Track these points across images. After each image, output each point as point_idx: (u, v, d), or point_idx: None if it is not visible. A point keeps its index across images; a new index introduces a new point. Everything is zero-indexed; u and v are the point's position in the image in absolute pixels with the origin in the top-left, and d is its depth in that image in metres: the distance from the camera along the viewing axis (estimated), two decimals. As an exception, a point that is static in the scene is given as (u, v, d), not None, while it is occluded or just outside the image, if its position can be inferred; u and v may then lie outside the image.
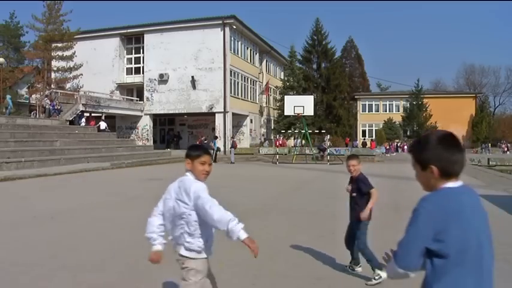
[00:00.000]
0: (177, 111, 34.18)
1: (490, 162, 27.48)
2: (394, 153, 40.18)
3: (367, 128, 55.44)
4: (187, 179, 2.64)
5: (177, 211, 2.63)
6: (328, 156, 26.41)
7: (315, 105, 33.83)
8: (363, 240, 4.31)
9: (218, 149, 26.50)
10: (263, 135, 41.58)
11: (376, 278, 4.15)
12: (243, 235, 2.38)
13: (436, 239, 1.52)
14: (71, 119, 25.87)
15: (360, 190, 4.32)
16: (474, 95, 56.79)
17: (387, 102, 56.87)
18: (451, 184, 1.61)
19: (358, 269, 4.43)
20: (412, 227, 1.57)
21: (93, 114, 29.09)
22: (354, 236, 4.41)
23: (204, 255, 2.70)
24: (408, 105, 52.57)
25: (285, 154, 30.03)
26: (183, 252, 2.69)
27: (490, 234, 1.63)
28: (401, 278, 1.63)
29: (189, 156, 2.68)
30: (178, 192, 2.65)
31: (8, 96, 26.39)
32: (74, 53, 29.97)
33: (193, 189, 2.55)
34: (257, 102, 40.38)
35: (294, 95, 34.72)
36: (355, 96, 57.40)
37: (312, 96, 30.37)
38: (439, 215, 1.52)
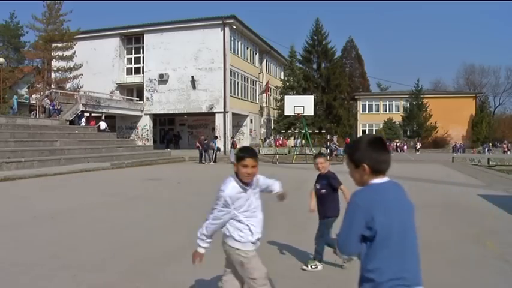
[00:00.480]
0: (177, 111, 34.18)
1: (490, 162, 27.47)
2: (393, 154, 40.15)
3: (367, 128, 55.47)
4: (227, 179, 2.85)
5: None
6: (338, 156, 26.65)
7: (315, 105, 33.81)
8: (327, 235, 4.44)
9: (218, 149, 26.50)
10: (266, 136, 41.57)
11: (313, 266, 4.38)
12: (197, 247, 2.88)
13: (367, 226, 1.76)
14: (71, 119, 25.87)
15: (332, 186, 4.40)
16: (474, 95, 56.78)
17: (387, 102, 56.89)
18: (379, 180, 1.87)
19: (320, 267, 4.49)
20: (347, 219, 1.82)
21: (93, 114, 29.10)
22: (328, 232, 4.50)
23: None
24: (408, 105, 52.58)
25: (285, 154, 30.01)
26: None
27: (413, 222, 1.91)
28: (349, 261, 1.94)
29: (236, 159, 2.84)
30: None
31: (15, 97, 26.44)
32: (74, 53, 29.97)
33: (219, 188, 2.78)
34: (257, 102, 40.39)
35: (294, 95, 34.72)
36: (355, 96, 57.42)
37: (312, 96, 30.35)
38: (368, 206, 1.77)
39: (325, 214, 4.42)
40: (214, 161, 24.57)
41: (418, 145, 47.76)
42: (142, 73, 34.44)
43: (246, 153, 2.80)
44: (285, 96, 30.84)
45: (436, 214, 8.00)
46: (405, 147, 48.53)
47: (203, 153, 24.14)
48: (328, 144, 29.72)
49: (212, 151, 24.84)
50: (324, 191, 4.43)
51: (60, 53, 29.69)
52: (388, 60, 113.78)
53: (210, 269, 4.50)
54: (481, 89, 69.34)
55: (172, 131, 38.71)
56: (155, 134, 36.77)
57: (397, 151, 45.45)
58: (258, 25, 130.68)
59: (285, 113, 29.57)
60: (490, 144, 49.85)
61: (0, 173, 13.84)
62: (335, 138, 31.48)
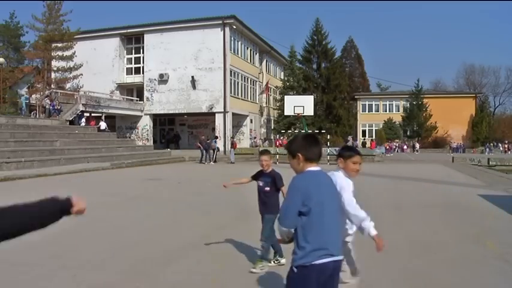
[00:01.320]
0: (177, 111, 34.18)
1: (490, 162, 27.48)
2: (393, 154, 40.21)
3: (367, 128, 55.47)
4: (338, 175, 3.03)
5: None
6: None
7: (315, 105, 33.81)
8: (268, 232, 4.44)
9: (218, 149, 26.50)
10: (266, 136, 41.57)
11: (261, 268, 4.31)
12: (373, 232, 2.88)
13: (304, 204, 2.16)
14: (71, 119, 25.87)
15: (276, 186, 4.44)
16: (474, 95, 56.78)
17: (387, 102, 56.88)
18: (313, 168, 2.29)
19: (283, 261, 4.50)
20: (288, 198, 2.24)
21: (93, 114, 29.10)
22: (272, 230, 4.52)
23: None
24: (408, 105, 52.57)
25: (285, 154, 29.97)
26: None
27: (338, 203, 2.43)
28: (286, 234, 2.24)
29: (342, 156, 3.11)
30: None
31: (24, 98, 26.44)
32: (74, 53, 29.96)
33: (340, 185, 2.90)
34: (257, 102, 40.39)
35: (294, 95, 34.71)
36: (355, 96, 57.40)
37: (312, 96, 30.35)
38: (304, 188, 2.19)
39: (267, 210, 4.45)
40: (214, 161, 24.58)
41: (417, 146, 47.72)
42: (142, 73, 34.44)
43: (354, 151, 3.15)
44: (285, 96, 30.84)
45: (436, 214, 8.00)
46: (405, 147, 48.55)
47: (204, 153, 24.14)
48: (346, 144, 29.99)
49: (212, 151, 24.85)
50: (267, 188, 4.47)
51: (60, 53, 29.68)
52: (388, 60, 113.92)
53: (210, 269, 4.51)
54: (481, 89, 69.35)
55: (172, 131, 38.71)
56: (155, 134, 36.77)
57: (397, 151, 45.45)
58: (258, 25, 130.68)
59: (285, 113, 29.57)
60: (492, 144, 49.84)
61: (0, 173, 13.84)
62: (350, 138, 31.77)
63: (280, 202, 4.18)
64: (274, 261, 4.55)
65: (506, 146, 48.16)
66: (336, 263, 2.21)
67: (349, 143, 29.81)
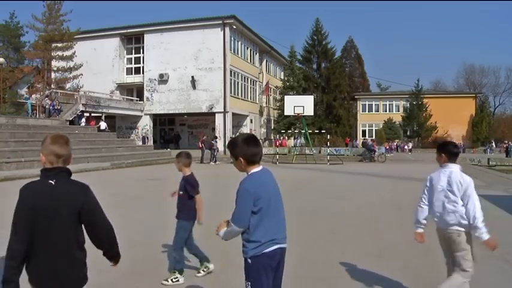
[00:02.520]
0: (177, 111, 34.18)
1: (490, 162, 27.49)
2: (393, 154, 40.18)
3: (367, 128, 55.44)
4: (459, 173, 3.33)
5: (451, 199, 3.31)
6: (381, 157, 27.93)
7: (315, 105, 33.82)
8: (178, 240, 4.24)
9: (217, 149, 26.49)
10: (266, 136, 41.56)
11: (174, 280, 4.11)
12: (486, 236, 3.18)
13: (255, 204, 2.35)
14: (71, 119, 25.86)
15: (187, 192, 4.26)
16: (474, 95, 56.76)
17: (387, 102, 56.86)
18: (256, 169, 2.44)
19: (211, 266, 4.36)
20: (240, 202, 2.36)
21: (93, 114, 29.09)
22: (190, 237, 4.34)
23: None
24: (408, 105, 52.54)
25: (285, 154, 30.03)
26: (457, 228, 3.32)
27: (280, 197, 2.52)
28: (237, 235, 2.42)
29: (450, 153, 3.38)
30: (448, 183, 3.35)
31: (29, 102, 26.42)
32: (74, 53, 29.96)
33: (466, 183, 3.29)
34: (257, 102, 40.39)
35: (294, 95, 34.70)
36: (355, 96, 57.38)
37: (312, 96, 30.35)
38: (255, 190, 2.36)
39: (180, 216, 4.27)
40: (215, 161, 24.58)
41: (410, 145, 47.35)
42: (142, 73, 34.44)
43: (460, 148, 3.39)
44: (285, 96, 30.84)
45: (436, 214, 7.98)
46: (406, 147, 48.44)
47: (204, 153, 24.11)
48: (367, 146, 29.96)
49: (213, 151, 24.84)
50: (181, 192, 4.30)
51: (60, 53, 29.68)
52: (388, 60, 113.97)
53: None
54: (481, 89, 69.36)
55: (172, 131, 38.71)
56: (155, 134, 36.77)
57: (397, 151, 45.43)
58: (258, 25, 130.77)
59: (285, 113, 29.57)
60: (493, 144, 49.78)
61: (0, 173, 13.85)
62: (369, 139, 32.03)
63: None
64: (203, 270, 4.33)
65: (505, 146, 48.08)
66: (283, 250, 2.47)
67: (369, 144, 30.02)
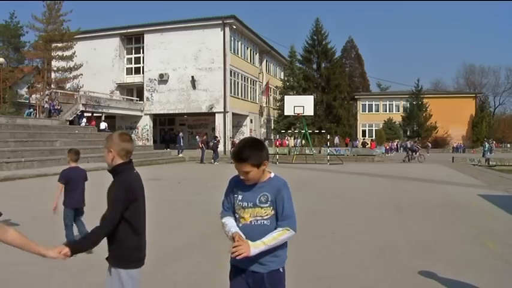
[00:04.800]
0: (177, 111, 34.18)
1: (490, 162, 27.49)
2: (393, 154, 40.16)
3: (367, 128, 55.45)
4: None
5: None
6: (421, 157, 28.30)
7: (315, 105, 33.81)
8: (65, 223, 5.31)
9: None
10: (266, 136, 41.55)
11: None
12: None
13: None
14: (71, 119, 25.87)
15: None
16: (474, 95, 56.75)
17: (387, 102, 56.87)
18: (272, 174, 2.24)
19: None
20: (291, 203, 2.17)
21: (94, 114, 29.09)
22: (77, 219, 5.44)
23: None
24: (408, 105, 52.55)
25: (285, 154, 30.01)
26: None
27: None
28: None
29: None
30: None
31: (27, 112, 26.50)
32: (74, 53, 29.98)
33: None
34: (257, 102, 40.39)
35: (294, 95, 34.71)
36: (355, 96, 57.38)
37: (312, 96, 30.35)
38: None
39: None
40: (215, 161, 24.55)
41: (428, 146, 45.52)
42: (142, 73, 34.44)
43: None
44: (285, 96, 30.84)
45: (436, 214, 8.00)
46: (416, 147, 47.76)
47: (204, 153, 24.09)
48: (409, 146, 30.40)
49: (213, 151, 24.81)
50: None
51: (60, 53, 29.70)
52: (388, 60, 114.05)
53: (210, 269, 4.50)
54: (481, 89, 69.33)
55: (172, 131, 38.69)
56: (155, 134, 36.77)
57: (397, 151, 45.39)
58: (258, 25, 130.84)
59: (285, 113, 29.57)
60: (494, 144, 49.70)
61: (0, 173, 13.84)
62: (410, 141, 32.90)
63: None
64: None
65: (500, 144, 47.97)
66: None
67: (412, 144, 30.49)
